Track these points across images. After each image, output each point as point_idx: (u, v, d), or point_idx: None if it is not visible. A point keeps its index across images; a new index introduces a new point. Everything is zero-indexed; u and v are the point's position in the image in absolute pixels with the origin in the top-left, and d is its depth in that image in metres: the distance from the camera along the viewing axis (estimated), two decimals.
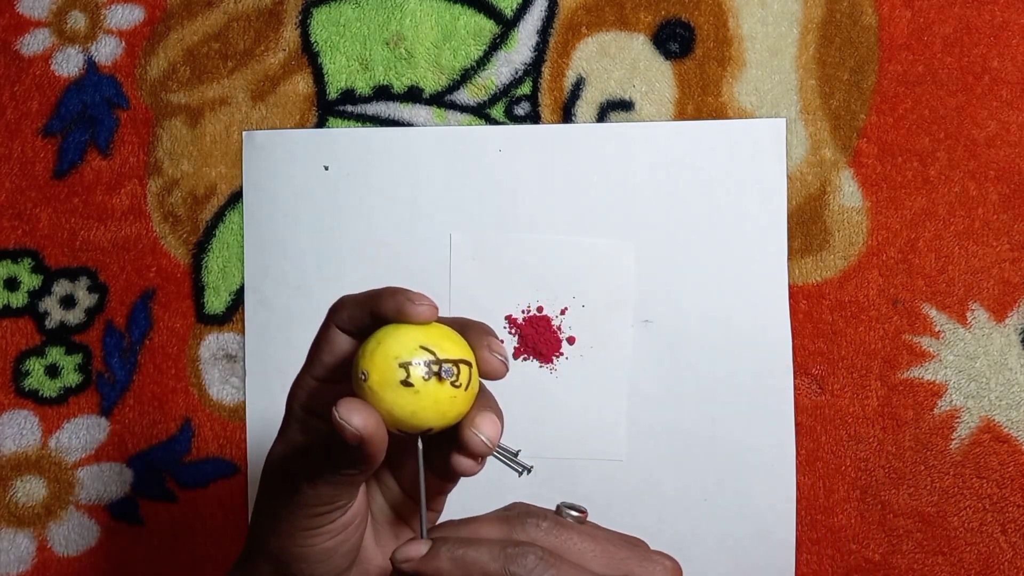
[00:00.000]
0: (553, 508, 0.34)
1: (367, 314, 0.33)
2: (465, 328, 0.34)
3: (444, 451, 0.33)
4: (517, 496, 0.59)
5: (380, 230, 0.60)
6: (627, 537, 0.34)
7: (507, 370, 0.33)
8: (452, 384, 0.31)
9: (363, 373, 0.31)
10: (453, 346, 0.32)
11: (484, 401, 0.34)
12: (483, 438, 0.32)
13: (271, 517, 0.35)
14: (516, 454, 0.39)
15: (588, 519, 0.34)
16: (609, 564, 0.32)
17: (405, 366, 0.31)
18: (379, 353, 0.31)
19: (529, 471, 0.60)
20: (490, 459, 0.52)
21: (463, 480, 0.49)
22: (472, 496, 0.59)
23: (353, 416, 0.30)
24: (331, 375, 0.34)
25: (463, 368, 0.32)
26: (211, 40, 0.63)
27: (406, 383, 0.31)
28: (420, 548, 0.31)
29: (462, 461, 0.33)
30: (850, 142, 0.59)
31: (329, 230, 0.61)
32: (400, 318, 0.32)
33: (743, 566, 0.58)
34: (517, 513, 0.33)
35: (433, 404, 0.31)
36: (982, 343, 0.57)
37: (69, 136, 0.62)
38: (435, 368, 0.31)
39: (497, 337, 0.34)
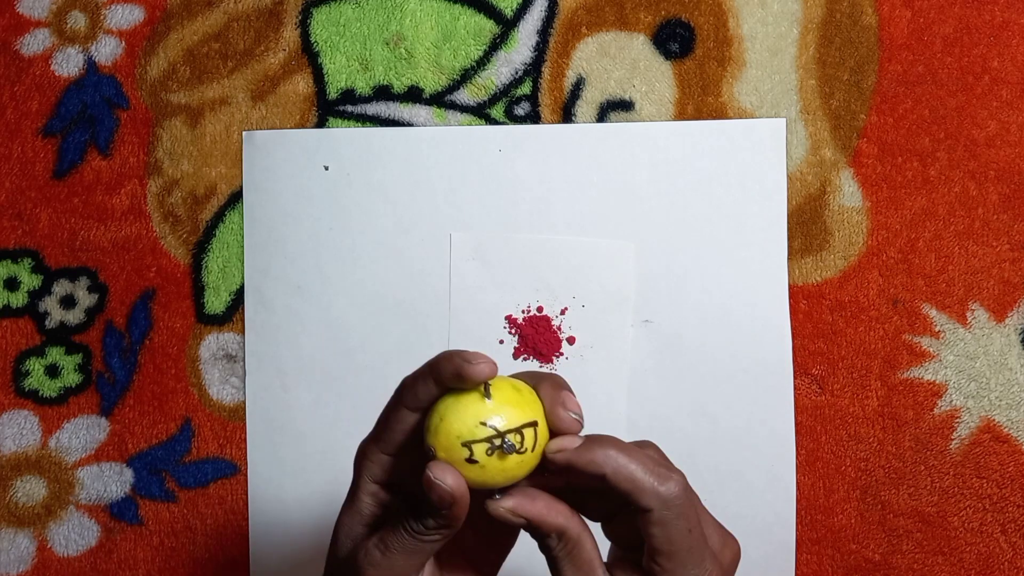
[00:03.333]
0: None
1: (431, 386, 0.33)
2: (538, 382, 0.34)
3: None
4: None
5: (380, 230, 0.60)
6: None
7: (582, 427, 0.34)
8: (517, 452, 0.32)
9: (430, 449, 0.32)
10: (516, 410, 0.32)
11: (550, 382, 0.34)
12: (573, 415, 0.33)
13: None
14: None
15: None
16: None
17: (468, 445, 0.32)
18: (442, 431, 0.32)
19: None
20: None
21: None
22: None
23: (447, 476, 0.31)
24: (402, 451, 0.35)
25: (527, 433, 0.32)
26: (211, 40, 0.63)
27: (471, 460, 0.32)
28: (574, 441, 0.32)
29: (559, 442, 0.33)
30: (850, 142, 0.59)
31: (329, 230, 0.61)
32: (460, 383, 0.32)
33: (743, 566, 0.58)
34: (656, 448, 0.36)
35: (500, 472, 0.32)
36: (982, 343, 0.57)
37: (69, 136, 0.62)
38: (497, 443, 0.32)
39: (571, 391, 0.34)
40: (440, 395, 0.33)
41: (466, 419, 0.32)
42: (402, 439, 0.34)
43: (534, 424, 0.33)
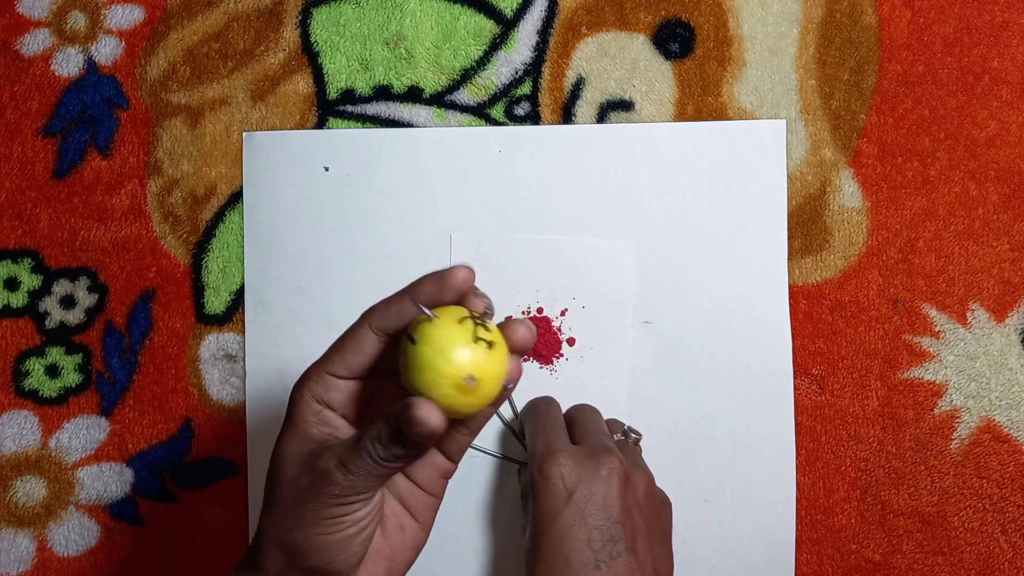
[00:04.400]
0: None
1: (406, 306, 0.34)
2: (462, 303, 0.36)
3: (453, 433, 0.35)
4: (514, 493, 0.59)
5: (380, 230, 0.60)
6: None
7: (534, 338, 0.36)
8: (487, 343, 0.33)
9: (416, 378, 0.33)
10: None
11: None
12: (526, 328, 0.35)
13: (292, 508, 0.36)
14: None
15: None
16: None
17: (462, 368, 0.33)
18: (439, 357, 0.33)
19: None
20: (495, 461, 0.54)
21: (464, 479, 0.50)
22: (472, 496, 0.59)
23: (432, 415, 0.31)
24: (352, 374, 0.35)
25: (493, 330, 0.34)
26: (211, 40, 0.63)
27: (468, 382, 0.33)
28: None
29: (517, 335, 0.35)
30: (850, 142, 0.59)
31: (329, 230, 0.61)
32: (439, 292, 0.33)
33: (743, 566, 0.58)
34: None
35: (478, 397, 0.34)
36: (982, 343, 0.57)
37: (69, 136, 0.62)
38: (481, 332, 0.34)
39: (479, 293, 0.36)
40: (412, 320, 0.34)
41: (457, 340, 0.33)
42: (359, 361, 0.35)
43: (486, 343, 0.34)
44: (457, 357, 0.32)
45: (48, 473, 0.61)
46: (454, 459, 0.40)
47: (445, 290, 0.33)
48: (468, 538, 0.59)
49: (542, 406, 0.53)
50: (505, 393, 0.35)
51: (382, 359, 0.35)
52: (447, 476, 0.40)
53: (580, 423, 0.51)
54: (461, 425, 0.39)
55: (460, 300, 0.35)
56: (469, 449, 0.45)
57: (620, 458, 0.46)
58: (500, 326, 0.35)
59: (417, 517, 0.40)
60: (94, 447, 0.61)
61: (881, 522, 0.57)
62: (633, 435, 0.55)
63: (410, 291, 0.34)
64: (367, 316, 0.35)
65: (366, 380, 0.36)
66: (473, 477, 0.59)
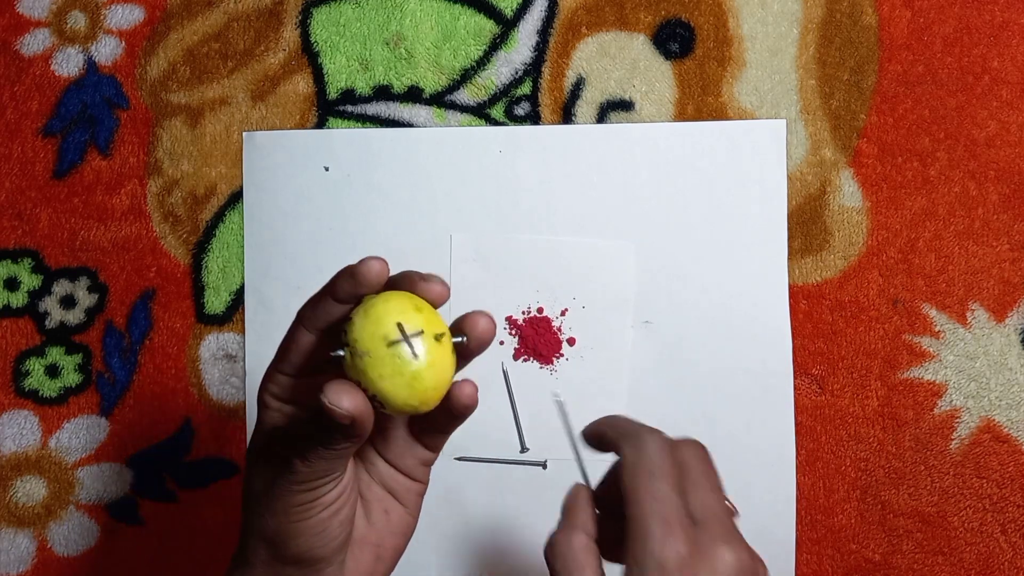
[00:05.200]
0: (556, 511, 0.36)
1: (328, 304, 0.34)
2: (402, 281, 0.35)
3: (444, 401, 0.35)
4: (518, 496, 0.59)
5: (380, 231, 0.60)
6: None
7: (448, 294, 0.35)
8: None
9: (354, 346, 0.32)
10: (423, 316, 0.33)
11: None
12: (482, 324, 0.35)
13: (264, 498, 0.37)
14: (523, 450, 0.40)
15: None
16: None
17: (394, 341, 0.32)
18: (365, 332, 0.32)
19: (544, 466, 0.60)
20: (499, 467, 0.53)
21: (466, 482, 0.49)
22: (473, 496, 0.59)
23: (343, 399, 0.32)
24: (298, 371, 0.36)
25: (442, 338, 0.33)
26: (211, 40, 0.63)
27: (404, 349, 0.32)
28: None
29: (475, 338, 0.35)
30: (850, 142, 0.59)
31: (329, 230, 0.61)
32: (354, 287, 0.33)
33: None
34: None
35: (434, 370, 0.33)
36: (982, 343, 0.57)
37: (69, 136, 0.62)
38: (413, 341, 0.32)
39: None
40: (335, 319, 0.34)
41: (387, 318, 0.32)
42: (299, 360, 0.36)
43: (419, 333, 0.33)
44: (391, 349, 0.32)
45: (48, 473, 0.61)
46: (432, 448, 0.40)
47: (360, 286, 0.34)
48: (472, 540, 0.59)
49: (657, 469, 0.35)
50: (457, 372, 0.34)
51: (323, 351, 0.36)
52: (428, 464, 0.40)
53: (696, 491, 0.36)
54: (430, 419, 0.38)
55: (401, 287, 0.35)
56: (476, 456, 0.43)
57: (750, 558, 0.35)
58: (460, 320, 0.35)
59: (402, 501, 0.40)
60: (94, 447, 0.61)
61: (881, 522, 0.57)
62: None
63: (329, 290, 0.35)
64: (299, 317, 0.36)
65: (317, 372, 0.37)
66: (475, 482, 0.59)
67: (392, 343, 0.32)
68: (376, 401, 0.32)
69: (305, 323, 0.35)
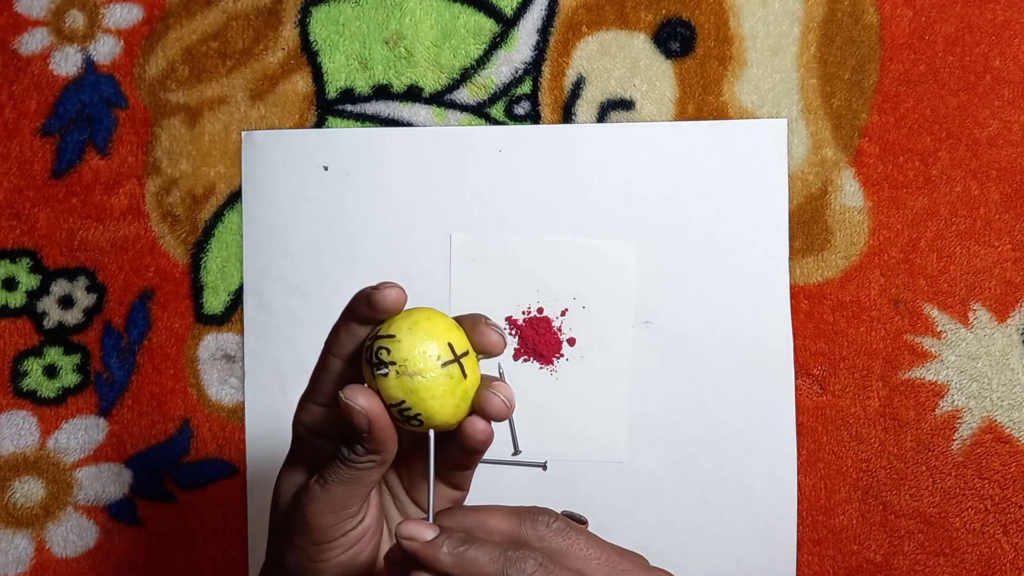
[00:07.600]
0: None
1: (352, 328, 0.35)
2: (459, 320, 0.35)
3: (458, 438, 0.35)
4: (518, 499, 0.59)
5: (380, 230, 0.60)
6: (628, 551, 0.34)
7: (505, 344, 0.35)
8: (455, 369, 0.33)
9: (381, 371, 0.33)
10: (451, 335, 0.33)
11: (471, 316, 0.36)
12: (502, 397, 0.34)
13: (286, 535, 0.36)
14: (516, 452, 0.40)
15: (588, 528, 0.35)
16: (611, 573, 0.32)
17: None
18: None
19: (544, 467, 0.59)
20: (498, 468, 0.52)
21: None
22: (473, 497, 0.59)
23: (358, 396, 0.32)
24: (331, 400, 0.36)
25: (466, 360, 0.33)
26: (210, 39, 0.62)
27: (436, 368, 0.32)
28: (425, 532, 0.32)
29: (479, 424, 0.34)
30: (851, 141, 0.59)
31: (329, 230, 0.61)
32: (373, 312, 0.33)
33: (744, 566, 0.58)
34: (529, 509, 0.34)
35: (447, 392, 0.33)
36: (984, 343, 0.57)
37: (67, 135, 0.62)
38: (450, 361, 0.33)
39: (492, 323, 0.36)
40: (365, 334, 0.34)
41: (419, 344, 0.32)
42: (332, 388, 0.35)
43: (465, 354, 0.33)
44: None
45: (46, 474, 0.61)
46: (458, 486, 0.39)
47: (377, 312, 0.34)
48: None
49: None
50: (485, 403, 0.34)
51: (354, 376, 0.35)
52: (459, 503, 0.40)
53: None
54: (454, 458, 0.38)
55: (463, 325, 0.35)
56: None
57: None
58: (467, 333, 0.35)
59: None
60: (92, 447, 0.61)
61: (882, 523, 0.57)
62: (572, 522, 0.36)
63: (350, 314, 0.35)
64: (327, 346, 0.36)
65: None
66: (475, 483, 0.58)
67: (446, 363, 0.32)
68: (415, 418, 0.33)
69: (333, 351, 0.35)
